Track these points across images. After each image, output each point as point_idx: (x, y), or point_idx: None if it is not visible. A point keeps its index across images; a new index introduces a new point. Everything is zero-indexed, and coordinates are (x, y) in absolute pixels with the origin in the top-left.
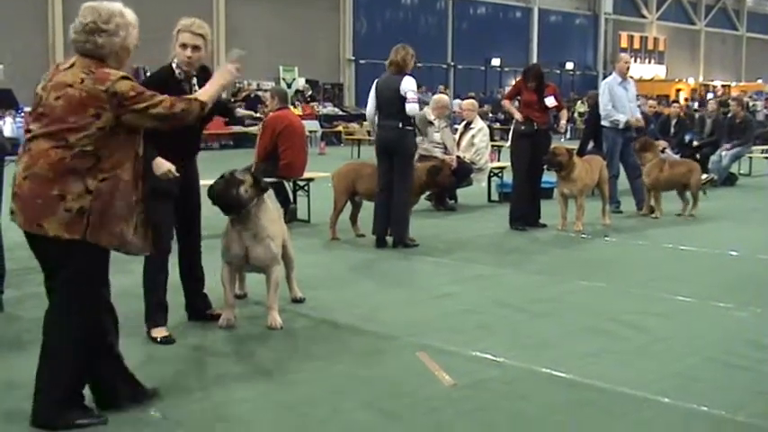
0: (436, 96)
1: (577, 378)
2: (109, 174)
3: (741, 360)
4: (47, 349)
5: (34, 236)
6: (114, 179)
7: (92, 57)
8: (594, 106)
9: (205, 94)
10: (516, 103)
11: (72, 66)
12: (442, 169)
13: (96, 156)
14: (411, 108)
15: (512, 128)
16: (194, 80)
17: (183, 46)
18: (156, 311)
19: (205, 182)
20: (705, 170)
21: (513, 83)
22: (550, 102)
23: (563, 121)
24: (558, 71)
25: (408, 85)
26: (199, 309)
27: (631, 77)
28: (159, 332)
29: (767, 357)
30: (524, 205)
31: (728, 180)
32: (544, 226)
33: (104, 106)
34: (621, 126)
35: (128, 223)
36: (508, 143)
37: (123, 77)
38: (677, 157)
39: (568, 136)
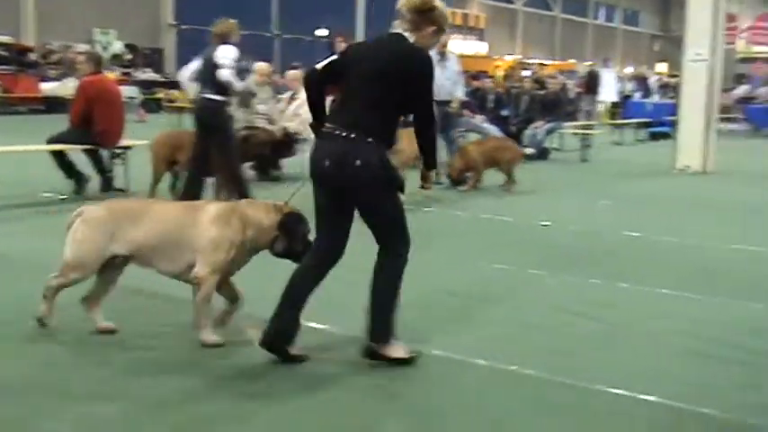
0: (257, 64)
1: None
2: None
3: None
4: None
5: None
6: None
7: None
8: None
9: None
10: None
11: None
12: (251, 137)
13: None
14: (218, 74)
15: None
16: None
17: None
18: None
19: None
20: (520, 143)
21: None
22: None
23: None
24: None
25: (223, 53)
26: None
27: (452, 53)
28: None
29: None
30: None
31: (542, 154)
32: None
33: None
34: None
35: None
36: None
37: None
38: (496, 129)
39: None
